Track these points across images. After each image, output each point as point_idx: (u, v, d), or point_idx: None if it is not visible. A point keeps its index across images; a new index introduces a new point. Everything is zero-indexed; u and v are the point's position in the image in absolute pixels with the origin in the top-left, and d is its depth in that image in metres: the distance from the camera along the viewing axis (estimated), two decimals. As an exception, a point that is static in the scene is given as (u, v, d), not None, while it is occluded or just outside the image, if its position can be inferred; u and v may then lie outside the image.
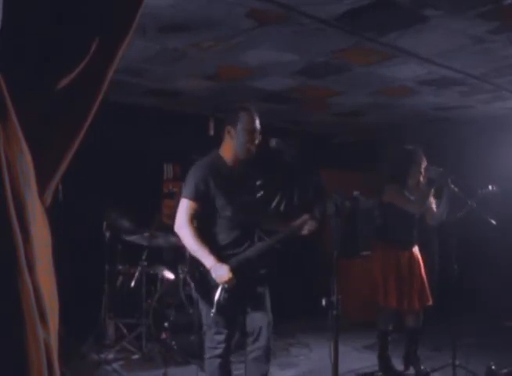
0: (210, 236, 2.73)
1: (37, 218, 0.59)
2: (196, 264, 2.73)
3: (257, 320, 2.82)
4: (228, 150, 2.82)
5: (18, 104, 0.56)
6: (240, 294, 2.71)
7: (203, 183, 2.70)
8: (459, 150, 5.88)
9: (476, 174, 5.12)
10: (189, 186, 2.74)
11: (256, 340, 2.83)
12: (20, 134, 0.57)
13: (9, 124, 0.55)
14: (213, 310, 2.65)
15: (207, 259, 2.64)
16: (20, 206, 0.54)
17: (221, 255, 2.69)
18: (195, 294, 2.86)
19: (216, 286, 2.66)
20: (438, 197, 3.91)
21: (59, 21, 0.63)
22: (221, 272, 2.62)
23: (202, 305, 2.77)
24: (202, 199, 2.71)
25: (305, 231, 2.84)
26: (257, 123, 2.79)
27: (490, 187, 3.75)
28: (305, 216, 2.81)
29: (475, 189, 3.77)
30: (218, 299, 2.65)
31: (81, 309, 3.96)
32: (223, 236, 2.75)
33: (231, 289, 2.65)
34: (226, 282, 2.62)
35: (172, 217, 4.96)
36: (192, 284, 2.83)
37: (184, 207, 2.72)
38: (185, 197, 2.74)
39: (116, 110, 4.42)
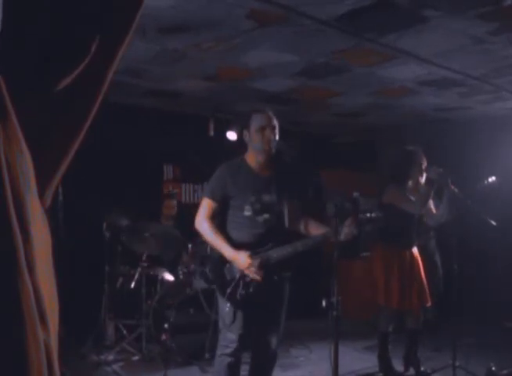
0: (232, 236, 2.77)
1: (37, 218, 0.59)
2: (217, 259, 2.76)
3: (270, 328, 2.83)
4: (250, 153, 2.86)
5: (18, 104, 0.56)
6: (257, 294, 2.69)
7: (221, 184, 2.78)
8: (458, 150, 5.88)
9: (476, 174, 5.11)
10: (209, 186, 2.88)
11: (265, 347, 2.83)
12: (20, 134, 0.57)
13: (9, 124, 0.55)
14: (228, 304, 2.66)
15: (226, 250, 2.69)
16: (20, 206, 0.54)
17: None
18: (215, 292, 2.89)
19: (231, 280, 2.69)
20: (438, 197, 3.91)
21: (59, 21, 0.63)
22: (240, 260, 2.64)
23: (220, 301, 2.79)
24: (220, 199, 2.78)
25: (342, 236, 2.64)
26: (270, 121, 2.78)
27: (489, 179, 3.73)
28: (347, 222, 2.66)
29: (474, 186, 3.77)
30: (233, 293, 2.65)
31: (81, 310, 3.96)
32: (245, 236, 2.75)
33: (255, 277, 2.63)
34: (247, 269, 2.63)
35: (171, 218, 5.00)
36: (212, 278, 2.85)
37: (203, 206, 2.83)
38: (205, 196, 2.88)
39: (116, 111, 4.42)
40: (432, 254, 4.73)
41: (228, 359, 2.72)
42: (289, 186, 2.91)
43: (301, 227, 2.94)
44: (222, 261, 2.73)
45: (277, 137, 2.79)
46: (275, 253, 2.71)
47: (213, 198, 2.79)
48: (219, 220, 2.84)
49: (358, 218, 2.62)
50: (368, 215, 2.63)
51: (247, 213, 2.74)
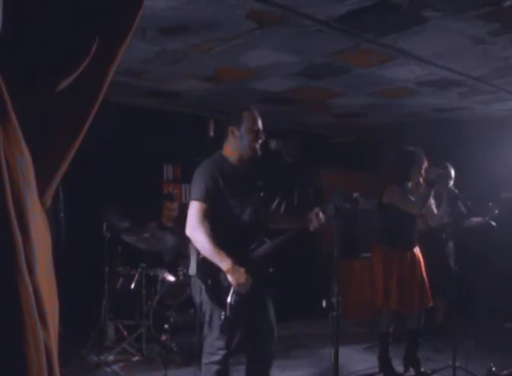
0: (218, 236, 2.66)
1: (37, 218, 0.59)
2: (207, 266, 2.68)
3: (262, 326, 2.79)
4: (233, 150, 2.78)
5: (18, 104, 0.56)
6: (249, 297, 2.65)
7: (212, 182, 2.64)
8: (458, 150, 5.88)
9: (476, 175, 5.11)
10: (197, 187, 2.66)
11: (258, 347, 2.80)
12: (20, 134, 0.57)
13: (8, 125, 0.55)
14: (224, 313, 2.58)
15: (224, 262, 2.58)
16: (20, 206, 0.54)
17: (231, 255, 2.63)
18: (200, 297, 2.76)
19: (229, 288, 2.61)
20: (438, 197, 3.92)
21: (59, 21, 0.63)
22: (238, 275, 2.57)
23: (207, 307, 2.69)
24: (212, 199, 2.64)
25: (311, 227, 2.77)
26: (260, 123, 2.78)
27: None
28: (313, 211, 2.76)
29: (498, 194, 3.75)
30: (230, 301, 2.59)
31: (81, 311, 3.96)
32: (233, 236, 2.68)
33: (246, 292, 2.59)
34: (244, 284, 2.57)
35: (172, 219, 4.99)
36: (203, 287, 2.72)
37: (195, 210, 2.64)
38: (195, 199, 2.65)
39: (116, 111, 4.42)
40: (448, 258, 4.64)
41: (216, 367, 2.64)
42: (270, 186, 2.93)
43: (280, 222, 2.98)
44: (215, 266, 2.62)
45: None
46: (260, 252, 2.71)
47: (205, 200, 2.62)
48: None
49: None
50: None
51: (235, 212, 2.69)
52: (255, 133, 2.73)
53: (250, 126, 2.73)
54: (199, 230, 2.61)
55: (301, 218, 2.82)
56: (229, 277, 2.58)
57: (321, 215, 2.76)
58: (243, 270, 2.58)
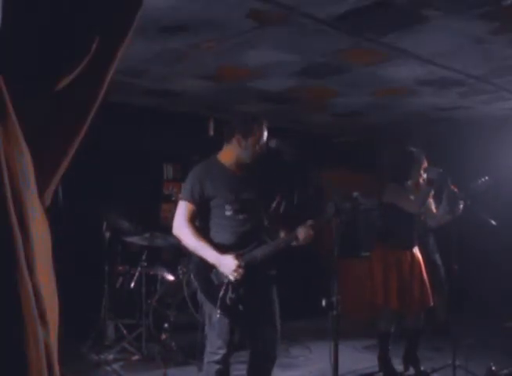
0: (215, 238, 2.72)
1: (37, 218, 0.59)
2: (200, 264, 2.71)
3: (265, 327, 2.79)
4: (231, 154, 2.81)
5: (18, 104, 0.56)
6: (247, 296, 2.66)
7: (198, 185, 2.72)
8: (459, 150, 5.88)
9: (476, 174, 5.11)
10: (185, 188, 2.80)
11: (261, 348, 2.80)
12: (20, 134, 0.57)
13: (8, 124, 0.55)
14: (218, 310, 2.60)
15: (210, 254, 2.63)
16: (20, 206, 0.54)
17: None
18: (199, 296, 2.81)
19: (220, 285, 2.64)
20: (437, 197, 3.92)
21: (59, 21, 0.63)
22: (227, 262, 2.60)
23: (206, 307, 2.73)
24: (198, 201, 2.73)
25: (298, 242, 2.73)
26: (266, 136, 2.80)
27: (482, 179, 3.74)
28: (305, 224, 2.72)
29: (468, 186, 3.77)
30: (224, 298, 2.61)
31: (81, 310, 3.96)
32: (228, 237, 2.72)
33: (240, 280, 2.60)
34: (234, 271, 2.59)
35: (170, 219, 5.00)
36: (197, 283, 2.78)
37: (181, 209, 2.75)
38: (182, 199, 2.78)
39: (116, 111, 4.42)
40: (431, 253, 4.72)
41: (217, 367, 2.66)
42: (268, 185, 2.93)
43: (274, 225, 2.96)
44: (207, 266, 2.66)
45: None
46: (259, 252, 2.71)
47: (191, 200, 2.72)
48: (200, 224, 2.79)
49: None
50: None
51: (228, 213, 2.71)
52: (260, 147, 2.77)
53: (257, 139, 2.76)
54: (183, 227, 2.71)
55: (291, 231, 2.78)
56: (219, 268, 2.62)
57: (311, 229, 2.69)
58: (230, 257, 2.61)
